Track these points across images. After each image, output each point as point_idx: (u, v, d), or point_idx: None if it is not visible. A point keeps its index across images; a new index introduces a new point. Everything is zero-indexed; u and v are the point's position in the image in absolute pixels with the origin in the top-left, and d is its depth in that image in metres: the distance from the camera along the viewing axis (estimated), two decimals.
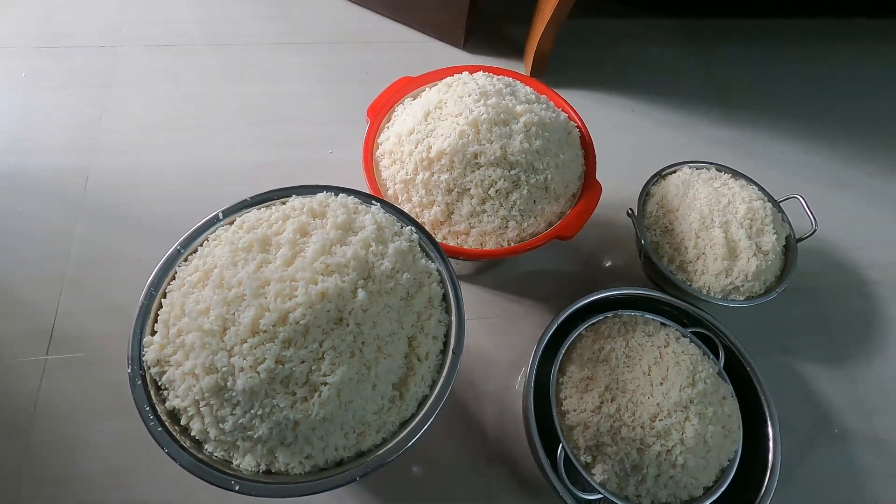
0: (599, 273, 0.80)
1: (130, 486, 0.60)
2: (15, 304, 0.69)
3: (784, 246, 0.70)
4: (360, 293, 0.41)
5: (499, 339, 0.73)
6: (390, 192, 0.60)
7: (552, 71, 0.95)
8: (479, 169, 0.56)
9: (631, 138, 0.91)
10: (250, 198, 0.49)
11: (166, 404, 0.41)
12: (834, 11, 1.11)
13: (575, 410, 0.59)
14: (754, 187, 0.73)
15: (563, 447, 0.56)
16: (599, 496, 0.55)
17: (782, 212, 0.72)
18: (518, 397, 0.70)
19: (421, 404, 0.43)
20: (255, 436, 0.38)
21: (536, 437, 0.57)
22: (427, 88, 0.66)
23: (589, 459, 0.57)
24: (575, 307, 0.64)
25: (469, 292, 0.75)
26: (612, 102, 0.95)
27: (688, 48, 1.04)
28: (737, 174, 0.74)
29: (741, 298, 0.66)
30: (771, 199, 0.72)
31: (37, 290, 0.70)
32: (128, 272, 0.71)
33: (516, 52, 0.98)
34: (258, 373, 0.37)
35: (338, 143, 0.85)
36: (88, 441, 0.62)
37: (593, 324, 0.64)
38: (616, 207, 0.78)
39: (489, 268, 0.76)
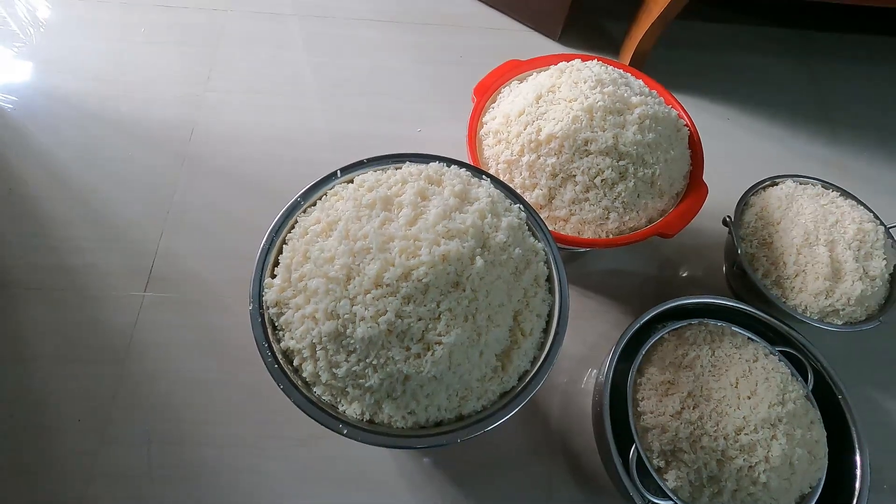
0: (679, 279, 0.78)
1: (209, 423, 0.63)
2: (120, 241, 0.73)
3: (891, 274, 0.66)
4: (479, 260, 0.41)
5: (571, 333, 0.71)
6: (492, 171, 0.60)
7: (648, 70, 0.93)
8: (587, 156, 0.56)
9: (724, 147, 0.88)
10: (367, 159, 0.51)
11: (281, 344, 0.43)
12: None
13: (652, 413, 0.58)
14: (864, 209, 0.69)
15: (636, 448, 0.55)
16: (670, 502, 0.54)
17: (892, 238, 0.68)
18: (584, 394, 0.69)
19: (521, 378, 0.43)
20: (367, 384, 0.39)
21: (610, 435, 0.56)
22: (534, 73, 0.66)
23: (662, 464, 0.56)
24: (660, 309, 0.62)
25: None
26: (706, 108, 0.92)
27: (792, 60, 0.99)
28: (846, 193, 0.70)
29: (839, 322, 0.63)
30: (882, 223, 0.68)
31: (140, 230, 0.74)
32: (222, 222, 0.75)
33: (612, 48, 0.96)
34: (378, 324, 0.38)
35: (427, 121, 0.86)
36: (176, 376, 0.65)
37: (676, 329, 0.63)
38: (705, 215, 0.75)
39: (569, 260, 0.75)
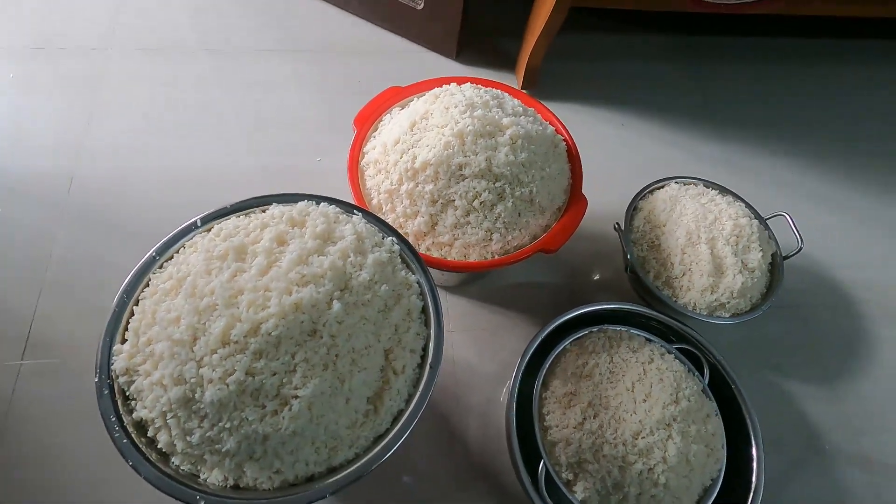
0: (586, 286, 0.80)
1: (101, 498, 0.58)
2: None
3: (770, 263, 0.70)
4: (336, 304, 0.40)
5: (483, 351, 0.72)
6: (375, 201, 0.60)
7: (544, 84, 0.96)
8: (463, 180, 0.56)
9: (620, 153, 0.92)
10: (230, 205, 0.49)
11: (133, 415, 0.40)
12: (827, 32, 1.13)
13: (557, 426, 0.58)
14: (741, 204, 0.73)
15: (544, 463, 0.55)
16: None
17: (769, 229, 0.72)
18: (502, 411, 0.69)
19: (396, 419, 0.42)
20: (223, 449, 0.37)
21: (518, 453, 0.56)
22: (415, 98, 0.66)
23: (571, 477, 0.56)
24: (560, 321, 0.63)
25: (454, 304, 0.75)
26: (602, 117, 0.96)
27: (680, 65, 1.05)
28: (724, 190, 0.74)
29: (726, 315, 0.66)
30: (758, 216, 0.72)
31: (15, 293, 0.69)
32: (108, 278, 0.69)
33: (509, 64, 0.99)
34: (227, 385, 0.36)
35: (328, 151, 0.85)
36: (61, 450, 0.60)
37: (578, 338, 0.64)
38: (604, 221, 0.78)
39: (475, 279, 0.75)
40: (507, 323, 0.75)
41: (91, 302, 0.68)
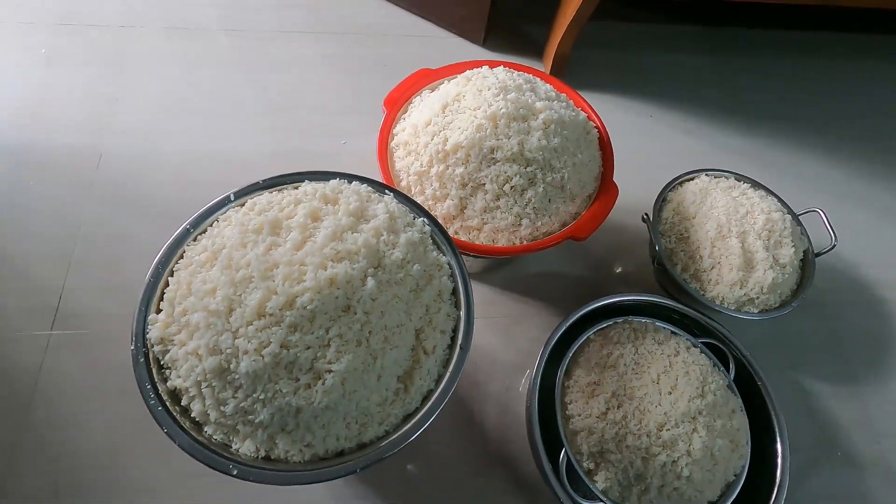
0: (610, 278, 0.79)
1: (122, 468, 0.59)
2: (22, 278, 0.68)
3: (801, 260, 0.68)
4: (370, 281, 0.40)
5: (504, 339, 0.72)
6: (403, 183, 0.59)
7: (572, 72, 0.94)
8: (494, 164, 0.55)
9: (648, 143, 0.90)
10: (262, 181, 0.49)
11: (168, 384, 0.40)
12: (861, 26, 1.10)
13: (580, 415, 0.58)
14: (773, 198, 0.71)
15: (565, 452, 0.55)
16: None
17: (801, 225, 0.71)
18: (521, 399, 0.69)
19: (425, 398, 0.42)
20: (256, 420, 0.37)
21: (539, 441, 0.56)
22: (445, 81, 0.65)
23: (592, 466, 0.56)
24: (584, 311, 0.63)
25: (476, 290, 0.74)
26: (630, 107, 0.94)
27: (709, 56, 1.03)
28: (756, 184, 0.73)
29: (755, 311, 0.65)
30: (790, 211, 0.71)
31: (44, 265, 0.69)
32: (136, 253, 0.70)
33: (536, 51, 0.97)
34: (262, 356, 0.37)
35: (352, 133, 0.85)
36: (86, 419, 0.61)
37: (602, 328, 0.63)
38: (630, 212, 0.76)
39: (499, 266, 0.75)
40: (528, 312, 0.74)
41: (118, 276, 0.69)
